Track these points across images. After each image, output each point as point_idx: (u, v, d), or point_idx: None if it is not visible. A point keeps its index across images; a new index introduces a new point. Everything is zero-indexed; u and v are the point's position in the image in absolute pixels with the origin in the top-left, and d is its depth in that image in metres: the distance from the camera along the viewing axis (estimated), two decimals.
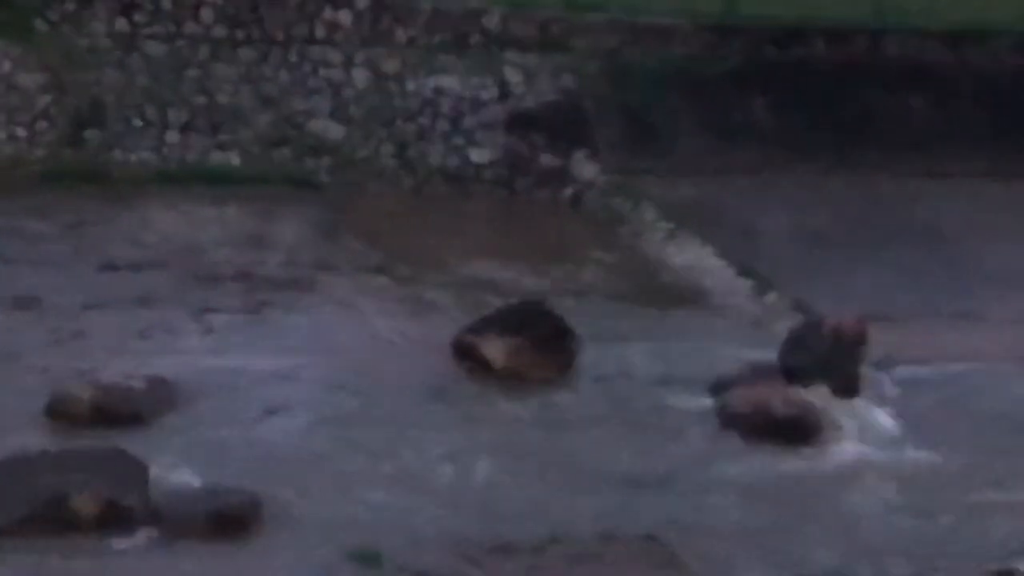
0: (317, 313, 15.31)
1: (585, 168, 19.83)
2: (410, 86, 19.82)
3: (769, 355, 14.61)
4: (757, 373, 14.27)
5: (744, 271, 17.16)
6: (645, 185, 19.26)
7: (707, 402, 13.95)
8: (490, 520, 11.71)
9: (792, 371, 14.32)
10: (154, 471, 11.49)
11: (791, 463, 13.16)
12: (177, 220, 17.48)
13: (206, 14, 19.47)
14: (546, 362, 14.32)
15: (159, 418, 12.74)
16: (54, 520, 10.85)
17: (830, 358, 14.37)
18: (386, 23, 19.97)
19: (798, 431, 13.51)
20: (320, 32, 19.79)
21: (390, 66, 19.83)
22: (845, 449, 13.52)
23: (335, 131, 19.42)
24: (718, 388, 14.13)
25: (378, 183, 19.30)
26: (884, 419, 14.10)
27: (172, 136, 18.94)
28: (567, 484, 12.42)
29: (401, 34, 20.02)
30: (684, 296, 16.78)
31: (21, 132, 18.50)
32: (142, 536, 10.99)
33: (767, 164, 20.06)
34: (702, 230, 18.07)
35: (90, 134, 18.69)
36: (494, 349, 14.28)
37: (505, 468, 12.60)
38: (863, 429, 13.88)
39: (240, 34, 19.53)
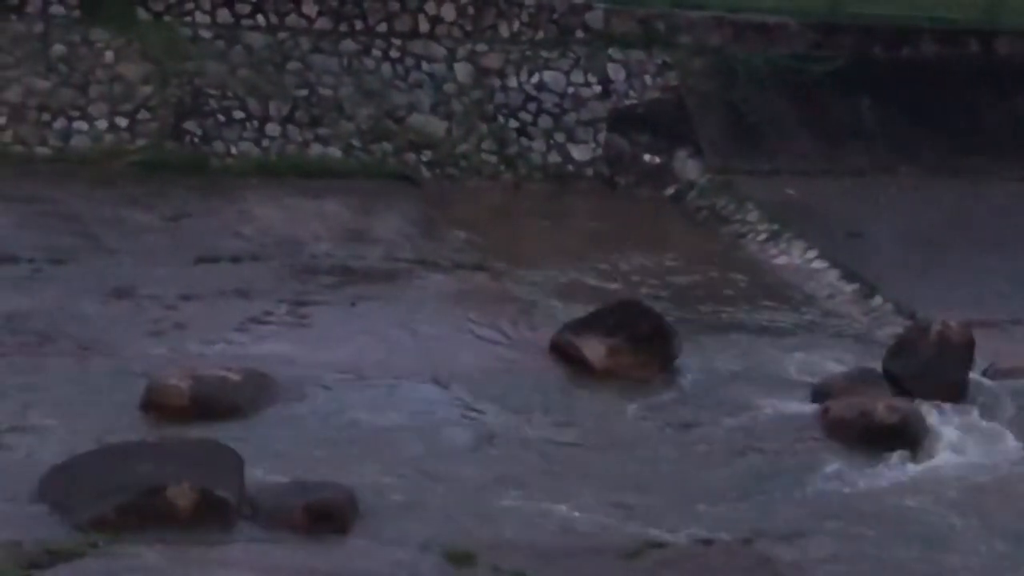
0: (415, 309, 15.25)
1: (687, 167, 19.67)
2: (512, 82, 19.76)
3: (873, 361, 14.43)
4: (861, 379, 14.08)
5: (849, 274, 16.96)
6: (748, 185, 19.08)
7: (809, 407, 13.76)
8: (585, 523, 11.59)
9: (897, 378, 14.12)
10: (250, 464, 11.46)
11: (893, 471, 12.96)
12: (276, 213, 17.49)
13: (309, 6, 19.50)
14: (645, 362, 14.18)
15: (255, 411, 12.71)
16: (150, 510, 10.82)
17: (936, 365, 14.15)
18: (489, 18, 19.92)
19: (902, 439, 13.29)
20: (423, 26, 19.76)
21: (492, 61, 19.78)
22: (949, 458, 13.29)
23: (436, 126, 19.38)
24: (820, 393, 13.95)
25: (478, 179, 19.24)
26: (989, 428, 13.86)
27: (273, 128, 18.95)
28: (664, 489, 12.29)
29: (504, 29, 19.97)
30: (787, 299, 16.59)
31: (122, 122, 18.55)
32: (237, 529, 10.95)
33: (872, 166, 19.85)
34: (806, 232, 17.89)
35: (191, 125, 18.73)
36: (593, 349, 14.15)
37: (598, 472, 12.47)
38: (968, 438, 13.65)
39: (343, 27, 19.55)
